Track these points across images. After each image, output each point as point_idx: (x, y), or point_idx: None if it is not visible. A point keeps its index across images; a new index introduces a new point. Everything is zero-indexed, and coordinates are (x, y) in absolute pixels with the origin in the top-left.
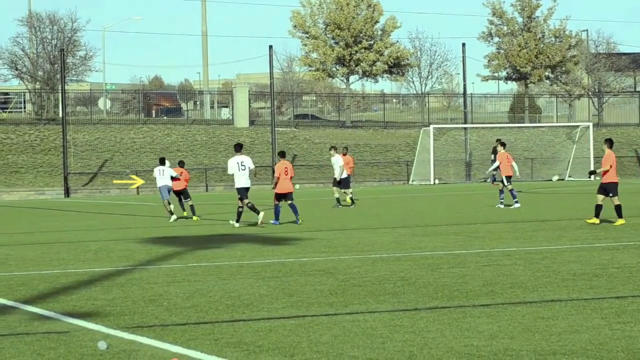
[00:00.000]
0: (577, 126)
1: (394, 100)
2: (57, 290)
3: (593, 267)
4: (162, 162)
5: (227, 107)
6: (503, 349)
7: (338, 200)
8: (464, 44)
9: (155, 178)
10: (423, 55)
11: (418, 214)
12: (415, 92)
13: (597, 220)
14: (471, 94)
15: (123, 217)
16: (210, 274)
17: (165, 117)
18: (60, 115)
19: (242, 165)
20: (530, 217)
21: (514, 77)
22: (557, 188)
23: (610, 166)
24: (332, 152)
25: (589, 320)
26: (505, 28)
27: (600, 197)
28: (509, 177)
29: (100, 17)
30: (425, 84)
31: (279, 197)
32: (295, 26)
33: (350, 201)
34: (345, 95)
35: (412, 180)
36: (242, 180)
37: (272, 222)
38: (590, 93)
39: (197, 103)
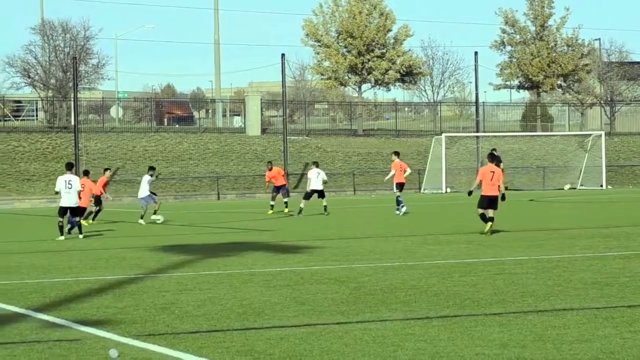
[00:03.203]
0: (589, 135)
1: (406, 109)
2: (68, 297)
3: (604, 276)
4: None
5: (239, 115)
6: (514, 358)
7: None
8: (476, 53)
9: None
10: (435, 64)
11: (430, 223)
12: (427, 101)
13: (488, 226)
14: (483, 102)
15: (134, 224)
16: (221, 282)
17: (177, 126)
18: (73, 123)
19: (68, 184)
20: (541, 226)
21: (526, 85)
22: (569, 197)
23: (481, 180)
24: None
25: (600, 329)
26: (517, 37)
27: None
28: (400, 185)
29: (113, 26)
30: (438, 93)
31: None
32: (307, 35)
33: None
34: (357, 104)
35: (424, 189)
36: (66, 198)
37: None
38: (602, 102)
39: (209, 111)
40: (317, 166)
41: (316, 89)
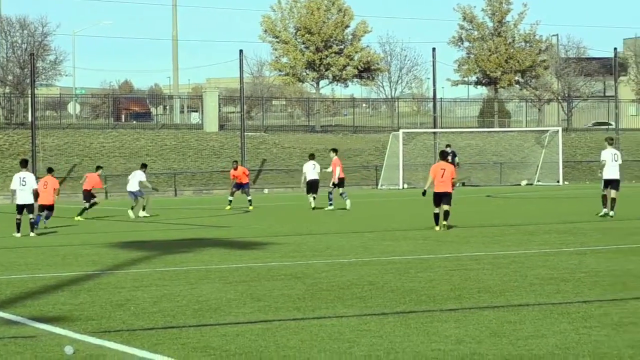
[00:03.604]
0: (547, 131)
1: (364, 105)
2: (24, 295)
3: (560, 272)
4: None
5: (196, 111)
6: (470, 354)
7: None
8: (434, 49)
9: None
10: (393, 60)
11: (386, 219)
12: (385, 97)
13: (439, 228)
14: (441, 98)
15: (91, 221)
16: (177, 278)
17: (134, 122)
18: (30, 119)
19: (22, 181)
20: (498, 222)
21: (483, 81)
22: (526, 193)
23: (437, 176)
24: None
25: (555, 325)
26: (475, 33)
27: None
28: (342, 180)
29: (71, 22)
30: (395, 89)
31: None
32: (265, 31)
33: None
34: (315, 100)
35: (381, 185)
36: (21, 196)
37: None
38: (559, 98)
39: (167, 107)
40: (312, 158)
41: (274, 85)
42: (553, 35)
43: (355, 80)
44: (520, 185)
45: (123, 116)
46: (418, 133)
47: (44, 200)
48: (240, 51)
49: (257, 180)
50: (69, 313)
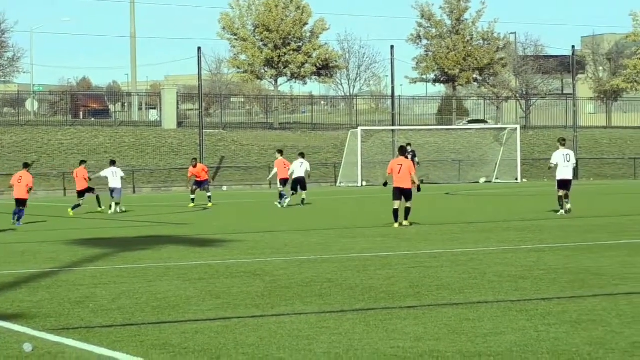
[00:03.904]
0: (505, 128)
1: (322, 102)
2: None
3: (519, 269)
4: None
5: (155, 108)
6: (429, 351)
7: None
8: (392, 46)
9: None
10: (351, 57)
11: (345, 216)
12: (343, 94)
13: (398, 225)
14: (399, 96)
15: (50, 218)
16: (136, 275)
17: (93, 119)
18: None
19: None
20: (457, 219)
21: (442, 79)
22: (484, 190)
23: (394, 171)
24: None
25: (514, 322)
26: (433, 30)
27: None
28: (284, 180)
29: (29, 19)
30: (354, 86)
31: None
32: (224, 28)
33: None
34: (274, 97)
35: (340, 182)
36: None
37: None
38: (518, 95)
39: (125, 105)
40: (302, 157)
41: (232, 82)
42: (511, 33)
43: (313, 77)
44: (478, 182)
45: (81, 113)
46: (376, 131)
47: (17, 194)
48: (199, 48)
49: (215, 178)
50: (28, 310)
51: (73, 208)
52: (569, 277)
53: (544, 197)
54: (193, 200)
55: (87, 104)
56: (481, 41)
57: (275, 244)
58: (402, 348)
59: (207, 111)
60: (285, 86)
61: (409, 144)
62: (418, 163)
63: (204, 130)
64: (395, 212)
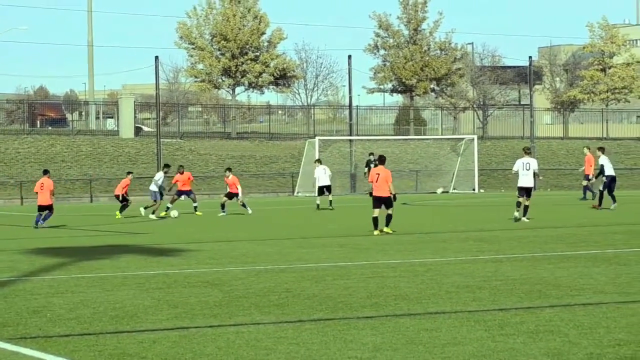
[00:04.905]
0: (462, 139)
1: (280, 112)
2: None
3: (476, 280)
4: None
5: (112, 117)
6: None
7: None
8: (349, 56)
9: None
10: (309, 67)
11: (303, 226)
12: (300, 104)
13: (377, 232)
14: (357, 106)
15: (7, 227)
16: (94, 285)
17: (50, 128)
18: None
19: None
20: (414, 230)
21: (399, 89)
22: (442, 201)
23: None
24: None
25: (472, 332)
26: (391, 40)
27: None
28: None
29: None
30: (311, 96)
31: None
32: (181, 37)
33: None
34: (231, 107)
35: (297, 192)
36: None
37: None
38: (475, 106)
39: (83, 113)
40: (320, 163)
41: (190, 91)
42: (468, 43)
43: (271, 87)
44: (436, 193)
45: (38, 122)
46: (334, 140)
47: (41, 201)
48: (156, 57)
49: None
50: None
51: (120, 211)
52: (527, 287)
53: (502, 208)
54: (168, 208)
55: (44, 113)
56: (438, 51)
57: (233, 253)
58: (360, 358)
59: (164, 120)
60: (243, 95)
61: (371, 154)
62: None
63: (161, 140)
64: (375, 220)
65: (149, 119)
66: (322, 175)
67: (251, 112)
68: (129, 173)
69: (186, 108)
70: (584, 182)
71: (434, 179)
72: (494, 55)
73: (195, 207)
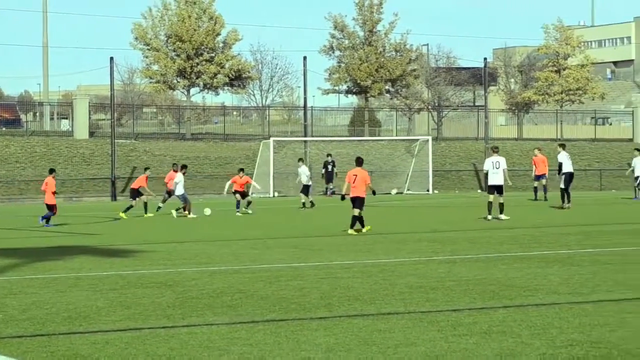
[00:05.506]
0: (416, 140)
1: (235, 113)
2: None
3: (430, 280)
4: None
5: (67, 118)
6: None
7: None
8: (305, 57)
9: None
10: (264, 68)
11: (257, 227)
12: (256, 105)
13: (354, 232)
14: (312, 107)
15: None
16: (47, 286)
17: (4, 128)
18: None
19: None
20: (368, 230)
21: (354, 90)
22: (396, 201)
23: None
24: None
25: (425, 333)
26: (346, 42)
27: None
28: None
29: None
30: (266, 97)
31: None
32: (136, 38)
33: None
34: (186, 108)
35: (252, 193)
36: None
37: None
38: (429, 107)
39: (37, 114)
40: (303, 162)
41: (145, 92)
42: (423, 44)
43: (226, 88)
44: (390, 194)
45: None
46: (289, 141)
47: (45, 199)
48: (111, 58)
49: (126, 188)
50: None
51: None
52: (480, 288)
53: (455, 209)
54: (159, 208)
55: None
56: (394, 53)
57: (187, 254)
58: (313, 359)
59: (119, 121)
60: (198, 96)
61: (329, 155)
62: (336, 174)
63: (116, 140)
64: (353, 217)
65: (104, 119)
66: (305, 175)
67: (206, 113)
68: (146, 169)
69: (141, 109)
70: (535, 183)
71: (388, 180)
72: (449, 56)
73: (177, 208)
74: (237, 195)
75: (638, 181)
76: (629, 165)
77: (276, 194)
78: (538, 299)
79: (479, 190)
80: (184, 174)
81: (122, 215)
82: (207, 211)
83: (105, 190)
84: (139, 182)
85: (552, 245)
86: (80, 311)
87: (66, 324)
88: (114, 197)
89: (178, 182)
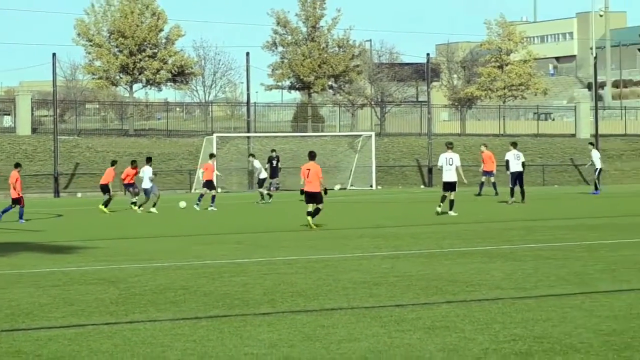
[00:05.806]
0: (360, 135)
1: (178, 109)
2: None
3: (374, 276)
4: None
5: (9, 114)
6: (283, 357)
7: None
8: (247, 53)
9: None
10: (207, 64)
11: (200, 223)
12: (198, 101)
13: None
14: (255, 103)
15: None
16: None
17: None
18: None
19: None
20: None
21: (297, 86)
22: (339, 197)
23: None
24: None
25: (368, 329)
26: (289, 38)
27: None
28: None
29: None
30: (209, 93)
31: None
32: (79, 34)
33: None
34: (129, 104)
35: (195, 189)
36: None
37: None
38: (373, 103)
39: None
40: (254, 157)
41: (87, 88)
42: (366, 40)
43: (169, 84)
44: (333, 189)
45: None
46: (232, 137)
47: (13, 194)
48: (54, 55)
49: (70, 185)
50: None
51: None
52: (423, 283)
53: (398, 204)
54: (134, 203)
55: None
56: (337, 48)
57: (130, 251)
58: (256, 355)
59: (61, 117)
60: (141, 92)
61: (273, 150)
62: (280, 169)
63: (58, 137)
64: (309, 212)
65: (47, 116)
66: (259, 168)
67: (149, 109)
68: (113, 162)
69: (84, 105)
70: (482, 178)
71: (331, 176)
72: (391, 52)
73: (134, 202)
74: (205, 189)
75: (597, 174)
76: (589, 158)
77: (219, 190)
78: (481, 294)
79: (422, 186)
80: (150, 166)
81: (102, 208)
82: (182, 204)
83: (48, 187)
84: (106, 178)
85: (495, 241)
86: (23, 308)
87: (8, 321)
88: (56, 193)
89: (149, 175)
